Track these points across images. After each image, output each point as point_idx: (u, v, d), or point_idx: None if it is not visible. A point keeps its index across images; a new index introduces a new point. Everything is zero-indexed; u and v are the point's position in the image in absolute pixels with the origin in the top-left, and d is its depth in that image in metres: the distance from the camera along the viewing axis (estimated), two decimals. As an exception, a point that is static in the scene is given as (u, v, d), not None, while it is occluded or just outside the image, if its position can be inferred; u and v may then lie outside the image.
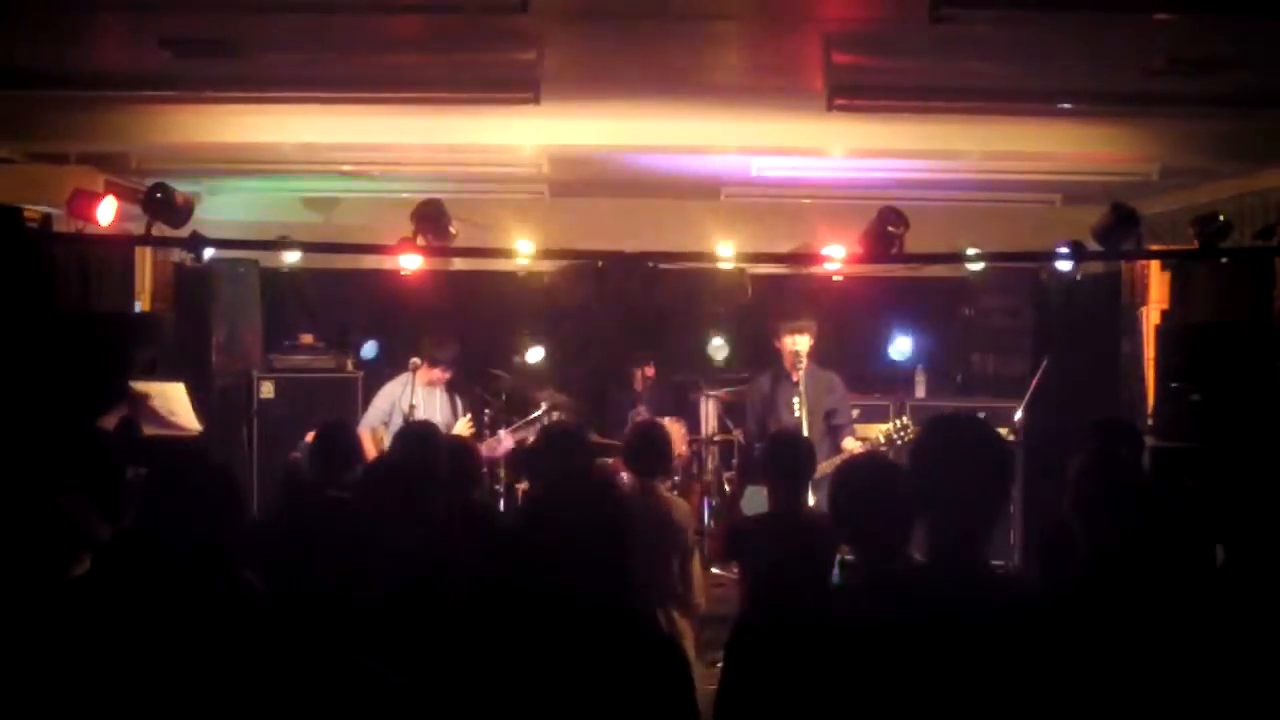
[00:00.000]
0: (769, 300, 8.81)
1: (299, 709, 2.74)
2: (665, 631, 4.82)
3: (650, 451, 5.71)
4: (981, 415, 9.25)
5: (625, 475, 6.01)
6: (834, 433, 7.66)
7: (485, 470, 8.11)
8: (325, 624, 2.81)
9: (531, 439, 6.94)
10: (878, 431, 7.66)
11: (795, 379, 7.57)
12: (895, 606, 2.84)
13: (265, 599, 2.90)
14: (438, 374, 8.15)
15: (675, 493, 6.93)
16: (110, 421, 6.49)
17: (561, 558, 2.79)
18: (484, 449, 8.07)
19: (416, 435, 5.56)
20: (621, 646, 2.78)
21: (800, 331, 7.68)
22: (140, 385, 6.94)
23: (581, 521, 2.80)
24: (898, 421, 7.87)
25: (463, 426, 8.09)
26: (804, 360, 7.63)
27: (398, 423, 7.60)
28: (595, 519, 2.83)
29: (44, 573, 3.57)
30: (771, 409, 7.76)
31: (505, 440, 8.43)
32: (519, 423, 8.54)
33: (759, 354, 8.68)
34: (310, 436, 5.89)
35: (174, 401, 7.24)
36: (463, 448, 5.65)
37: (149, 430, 6.80)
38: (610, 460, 8.53)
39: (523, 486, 8.26)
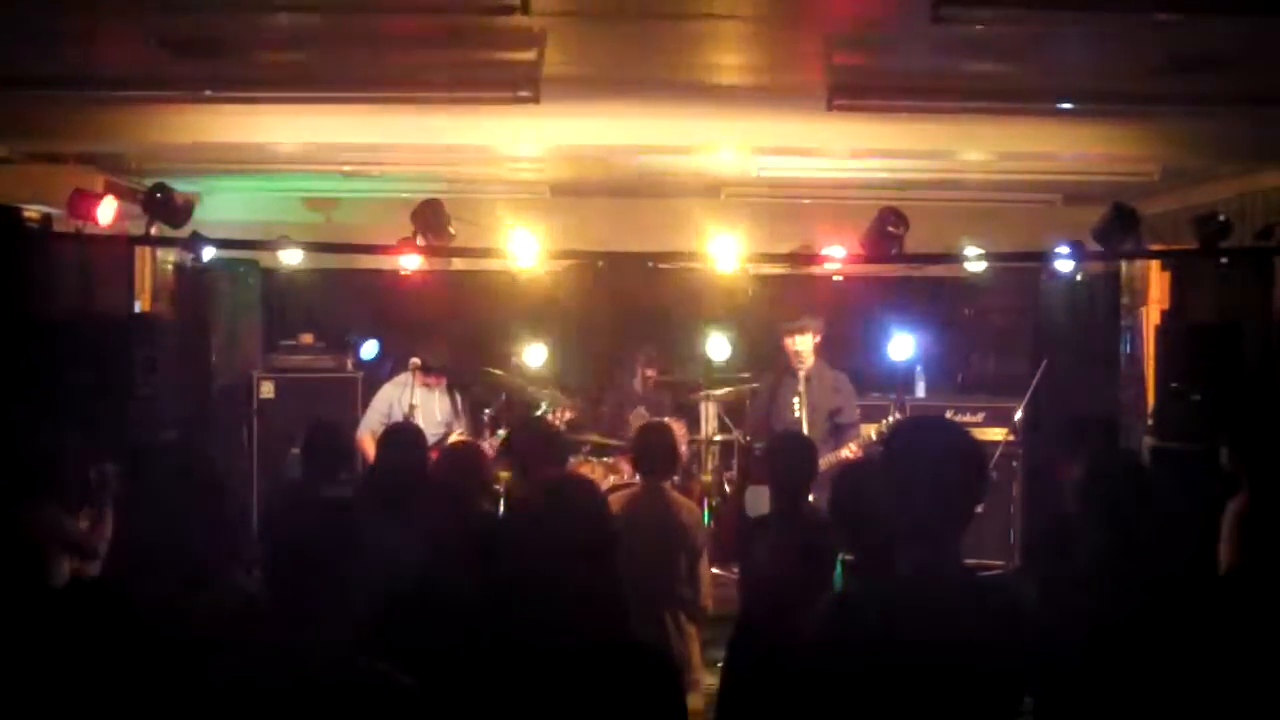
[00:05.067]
0: (770, 300, 8.81)
1: (294, 711, 2.72)
2: (655, 647, 4.80)
3: (657, 452, 5.69)
4: (982, 415, 9.31)
5: (624, 476, 5.99)
6: (839, 432, 7.66)
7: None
8: (322, 627, 2.78)
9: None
10: (869, 430, 7.67)
11: (796, 378, 7.58)
12: (893, 609, 2.84)
13: (261, 601, 2.88)
14: (432, 380, 8.16)
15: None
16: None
17: (550, 571, 2.76)
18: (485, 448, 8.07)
19: (401, 438, 5.48)
20: (611, 663, 2.76)
21: (801, 331, 7.69)
22: None
23: (571, 536, 2.77)
24: (889, 420, 7.86)
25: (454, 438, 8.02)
26: (805, 359, 7.64)
27: (398, 424, 7.56)
28: (584, 531, 2.80)
29: (27, 581, 3.56)
30: (773, 408, 7.77)
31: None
32: (518, 422, 8.53)
33: (759, 354, 8.67)
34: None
35: None
36: (474, 455, 5.53)
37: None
38: (610, 460, 8.53)
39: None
